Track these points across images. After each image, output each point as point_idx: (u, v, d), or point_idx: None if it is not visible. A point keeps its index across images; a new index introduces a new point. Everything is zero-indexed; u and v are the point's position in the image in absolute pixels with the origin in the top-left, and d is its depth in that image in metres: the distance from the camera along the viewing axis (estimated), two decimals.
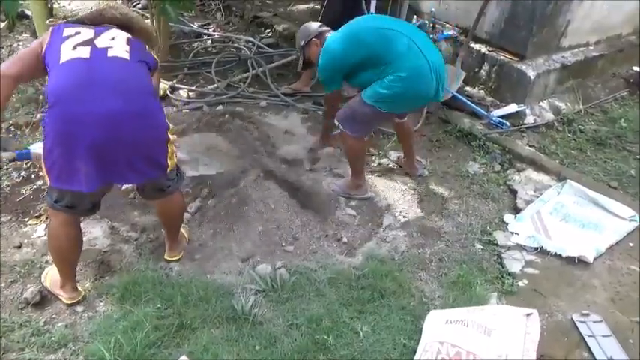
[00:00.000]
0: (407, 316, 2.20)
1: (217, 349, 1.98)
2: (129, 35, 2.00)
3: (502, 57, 3.81)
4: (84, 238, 2.53)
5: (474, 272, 2.49)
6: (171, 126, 2.04)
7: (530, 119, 3.71)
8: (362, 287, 2.34)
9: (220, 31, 5.07)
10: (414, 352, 2.00)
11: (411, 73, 2.51)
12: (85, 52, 1.86)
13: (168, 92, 3.78)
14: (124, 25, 2.09)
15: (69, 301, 2.20)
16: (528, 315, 1.93)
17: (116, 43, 1.92)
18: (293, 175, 3.03)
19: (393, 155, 3.34)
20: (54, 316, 2.17)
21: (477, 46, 3.92)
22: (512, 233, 2.75)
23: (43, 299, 2.22)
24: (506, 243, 2.70)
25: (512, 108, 3.71)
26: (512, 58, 3.78)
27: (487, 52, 3.87)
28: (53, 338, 2.04)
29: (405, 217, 2.86)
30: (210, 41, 4.82)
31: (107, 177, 1.93)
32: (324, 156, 3.26)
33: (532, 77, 3.67)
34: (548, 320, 2.25)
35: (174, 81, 3.99)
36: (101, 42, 1.91)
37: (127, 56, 1.91)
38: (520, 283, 2.45)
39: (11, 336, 2.04)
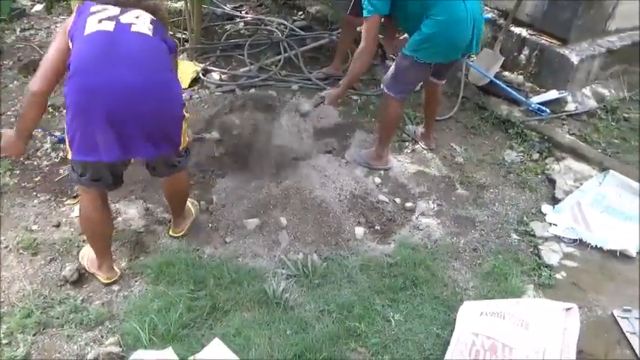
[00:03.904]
0: (440, 306, 2.18)
1: (249, 333, 1.99)
2: (153, 17, 2.03)
3: (544, 41, 3.67)
4: (119, 219, 2.61)
5: (510, 263, 2.43)
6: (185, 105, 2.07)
7: (571, 106, 3.57)
8: (394, 275, 2.31)
9: (253, 13, 5.03)
10: (447, 342, 1.97)
11: (448, 19, 2.52)
12: (109, 26, 1.89)
13: (200, 75, 3.78)
14: (148, 8, 2.10)
15: (106, 281, 2.25)
16: (568, 310, 1.88)
17: (140, 21, 1.96)
18: (324, 160, 3.00)
19: (411, 129, 3.36)
20: (91, 294, 2.21)
21: (517, 30, 3.78)
22: (550, 224, 2.68)
23: (81, 277, 2.26)
24: (544, 234, 2.62)
25: (552, 94, 3.58)
26: (555, 42, 3.64)
27: (528, 36, 3.72)
28: (90, 316, 2.08)
29: (439, 204, 2.80)
30: (242, 24, 4.78)
31: (125, 148, 1.94)
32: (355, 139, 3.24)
33: (575, 62, 3.53)
34: (588, 315, 2.18)
35: (207, 63, 3.99)
36: (126, 18, 1.94)
37: (149, 32, 1.95)
38: (558, 276, 2.38)
39: (51, 312, 2.09)
